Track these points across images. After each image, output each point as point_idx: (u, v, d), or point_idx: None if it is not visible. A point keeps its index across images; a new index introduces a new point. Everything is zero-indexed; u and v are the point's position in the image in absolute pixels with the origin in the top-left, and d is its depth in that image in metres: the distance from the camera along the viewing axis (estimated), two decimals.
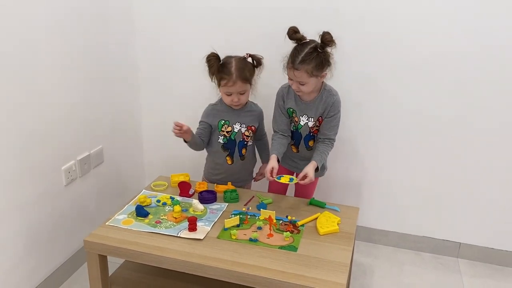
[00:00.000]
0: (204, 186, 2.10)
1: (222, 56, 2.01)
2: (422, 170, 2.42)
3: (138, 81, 2.64)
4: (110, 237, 1.73)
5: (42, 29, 1.89)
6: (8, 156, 1.81)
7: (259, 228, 1.81)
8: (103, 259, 1.77)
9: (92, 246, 1.72)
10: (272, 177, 1.95)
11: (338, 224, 1.84)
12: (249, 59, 2.01)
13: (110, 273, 1.87)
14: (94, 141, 2.34)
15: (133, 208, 1.92)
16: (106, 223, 1.82)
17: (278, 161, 2.02)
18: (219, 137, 2.13)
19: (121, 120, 2.55)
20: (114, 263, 1.95)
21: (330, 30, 2.22)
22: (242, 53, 2.02)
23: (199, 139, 2.11)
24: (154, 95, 2.65)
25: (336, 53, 2.26)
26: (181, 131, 1.97)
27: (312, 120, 2.05)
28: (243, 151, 2.16)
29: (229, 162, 2.16)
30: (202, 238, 1.73)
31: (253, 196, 2.07)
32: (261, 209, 1.90)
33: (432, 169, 2.40)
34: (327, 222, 1.84)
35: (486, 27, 2.08)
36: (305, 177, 1.94)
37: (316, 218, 1.87)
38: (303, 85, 1.93)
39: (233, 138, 2.13)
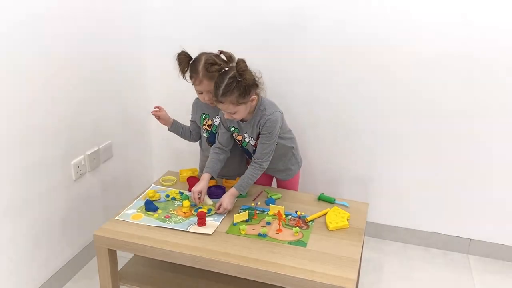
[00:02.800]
0: (213, 181, 2.10)
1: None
2: (431, 165, 2.39)
3: (146, 77, 2.64)
4: (119, 231, 1.74)
5: (50, 26, 1.89)
6: (18, 151, 1.82)
7: (268, 223, 1.81)
8: (112, 254, 1.77)
9: (102, 241, 1.72)
10: (199, 200, 1.90)
11: (347, 219, 1.83)
12: (222, 56, 1.93)
13: (119, 268, 1.87)
14: (103, 136, 2.34)
15: (142, 203, 1.93)
16: (116, 218, 1.83)
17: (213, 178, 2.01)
18: (203, 131, 2.16)
19: (130, 115, 2.55)
20: (123, 258, 1.96)
21: (343, 22, 2.23)
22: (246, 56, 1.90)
23: (185, 130, 2.22)
24: (163, 91, 2.65)
25: (342, 47, 2.27)
26: (157, 113, 2.13)
27: (253, 139, 2.01)
28: None
29: None
30: (211, 233, 1.73)
31: (262, 191, 2.06)
32: (270, 204, 1.89)
33: (442, 165, 2.38)
34: (336, 217, 1.83)
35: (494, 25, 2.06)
36: (220, 205, 1.86)
37: (326, 214, 1.87)
38: (234, 113, 1.87)
39: (214, 132, 2.12)
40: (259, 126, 1.94)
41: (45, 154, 1.96)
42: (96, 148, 2.29)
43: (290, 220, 1.83)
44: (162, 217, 1.83)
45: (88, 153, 2.23)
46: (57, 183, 2.05)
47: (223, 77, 1.81)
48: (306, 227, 1.79)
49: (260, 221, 1.82)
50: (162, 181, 2.16)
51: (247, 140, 2.02)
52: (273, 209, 1.85)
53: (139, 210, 1.88)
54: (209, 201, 1.93)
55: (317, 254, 1.62)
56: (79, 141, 2.16)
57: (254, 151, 2.00)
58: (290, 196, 2.04)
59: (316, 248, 1.66)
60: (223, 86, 1.79)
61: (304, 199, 2.01)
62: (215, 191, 1.99)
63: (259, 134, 1.96)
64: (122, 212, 1.86)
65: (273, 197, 2.00)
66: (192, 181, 2.06)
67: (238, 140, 2.06)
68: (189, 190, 2.04)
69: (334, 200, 1.98)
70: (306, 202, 1.99)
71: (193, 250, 1.63)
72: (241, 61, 1.80)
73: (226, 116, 1.91)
